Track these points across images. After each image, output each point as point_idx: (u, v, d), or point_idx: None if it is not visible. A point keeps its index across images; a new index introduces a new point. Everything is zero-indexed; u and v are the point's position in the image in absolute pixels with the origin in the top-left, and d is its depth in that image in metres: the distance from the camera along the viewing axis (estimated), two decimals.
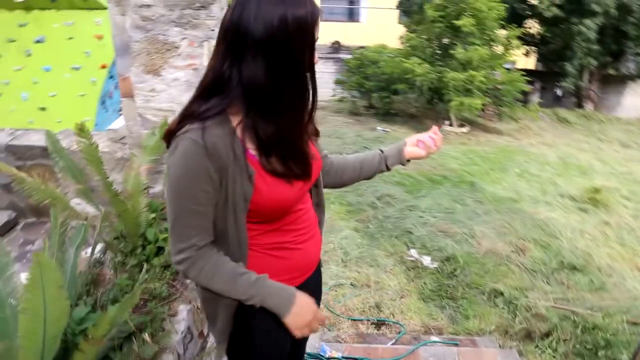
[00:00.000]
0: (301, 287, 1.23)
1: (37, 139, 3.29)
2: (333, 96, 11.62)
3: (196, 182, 1.04)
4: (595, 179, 6.44)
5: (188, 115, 1.06)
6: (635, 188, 6.10)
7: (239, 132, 1.06)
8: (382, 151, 1.47)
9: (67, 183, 2.16)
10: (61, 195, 1.85)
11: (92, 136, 1.99)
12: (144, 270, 1.73)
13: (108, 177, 1.88)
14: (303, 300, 1.15)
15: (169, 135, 1.07)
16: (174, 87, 2.18)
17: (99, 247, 2.06)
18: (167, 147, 1.08)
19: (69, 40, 5.24)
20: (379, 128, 9.21)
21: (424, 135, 1.45)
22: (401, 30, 12.66)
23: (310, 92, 1.09)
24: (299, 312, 1.14)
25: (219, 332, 1.24)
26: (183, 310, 1.91)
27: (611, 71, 12.21)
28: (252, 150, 1.08)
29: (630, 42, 10.83)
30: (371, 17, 18.86)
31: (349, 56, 11.41)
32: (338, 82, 11.31)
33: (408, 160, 1.46)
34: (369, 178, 1.49)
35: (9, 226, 3.27)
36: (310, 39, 1.03)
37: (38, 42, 5.34)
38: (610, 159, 7.73)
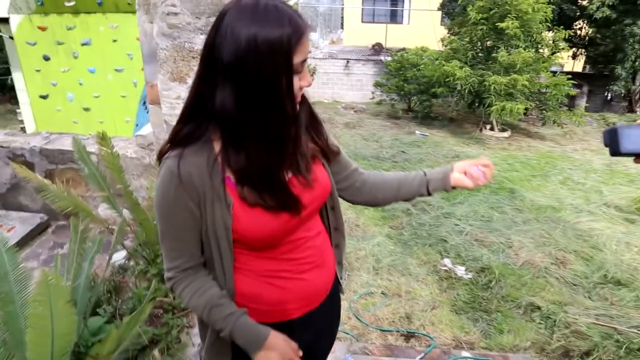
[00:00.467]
0: (305, 319, 1.20)
1: (69, 143, 3.41)
2: (372, 99, 11.55)
3: (174, 210, 1.03)
4: None
5: (172, 139, 1.05)
6: None
7: (220, 159, 1.02)
8: (425, 173, 1.36)
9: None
10: (83, 203, 1.88)
11: (113, 144, 2.02)
12: (153, 284, 1.72)
13: (129, 185, 1.91)
14: (276, 344, 1.11)
15: (159, 157, 1.06)
16: None
17: (124, 253, 2.08)
18: None
19: (113, 43, 5.41)
20: (417, 132, 9.07)
21: (473, 167, 1.32)
22: (444, 32, 12.46)
23: (291, 120, 1.01)
24: (267, 356, 1.10)
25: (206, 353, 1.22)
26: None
27: None
28: (232, 177, 1.04)
29: None
30: (414, 18, 18.70)
31: (390, 58, 11.29)
32: (377, 85, 11.22)
33: (453, 188, 1.34)
34: (407, 200, 1.39)
35: (41, 228, 3.40)
36: (286, 63, 0.93)
37: (84, 44, 5.54)
38: None
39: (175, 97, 2.13)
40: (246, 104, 0.95)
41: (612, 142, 0.99)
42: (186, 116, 1.04)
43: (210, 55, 0.95)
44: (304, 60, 0.98)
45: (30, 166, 3.56)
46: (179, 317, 1.77)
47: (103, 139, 2.05)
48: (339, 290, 1.41)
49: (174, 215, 1.04)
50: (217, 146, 1.03)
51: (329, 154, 1.22)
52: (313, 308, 1.24)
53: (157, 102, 2.18)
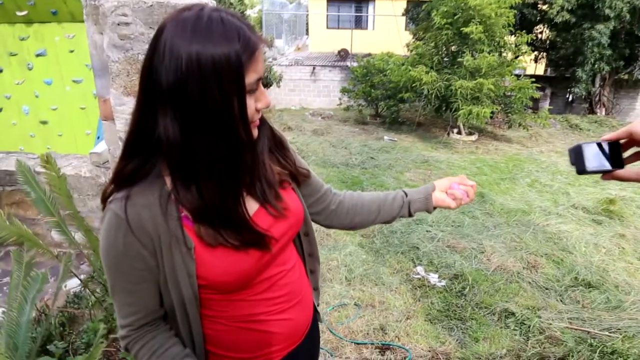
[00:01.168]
0: (288, 358, 1.09)
1: (24, 162, 3.20)
2: (339, 105, 11.52)
3: (124, 260, 0.89)
4: (610, 188, 6.23)
5: (115, 179, 0.90)
6: None
7: (173, 196, 0.89)
8: (405, 194, 1.27)
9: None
10: (28, 232, 1.72)
11: (66, 163, 1.86)
12: (104, 319, 1.55)
13: (79, 210, 1.76)
14: None
15: (103, 200, 0.92)
16: None
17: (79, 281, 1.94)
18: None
19: (70, 53, 5.18)
20: (386, 137, 9.07)
21: (455, 186, 1.25)
22: (409, 37, 12.57)
23: (246, 148, 0.88)
24: None
25: None
26: None
27: (624, 76, 11.98)
28: (189, 216, 0.90)
29: None
30: (378, 24, 18.86)
31: (356, 64, 11.30)
32: (344, 91, 11.20)
33: (435, 208, 1.27)
34: (386, 222, 1.30)
35: None
36: (237, 83, 0.81)
37: (39, 55, 5.30)
38: None
39: (129, 112, 1.97)
40: (191, 132, 0.82)
41: (577, 161, 0.94)
42: (129, 150, 0.89)
43: (148, 78, 0.82)
44: (259, 79, 0.86)
45: None
46: None
47: (47, 161, 1.89)
48: (317, 319, 1.29)
49: (124, 267, 0.90)
50: (169, 181, 0.89)
51: (298, 177, 1.11)
52: (296, 345, 1.12)
53: (110, 118, 2.03)
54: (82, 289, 1.93)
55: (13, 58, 5.34)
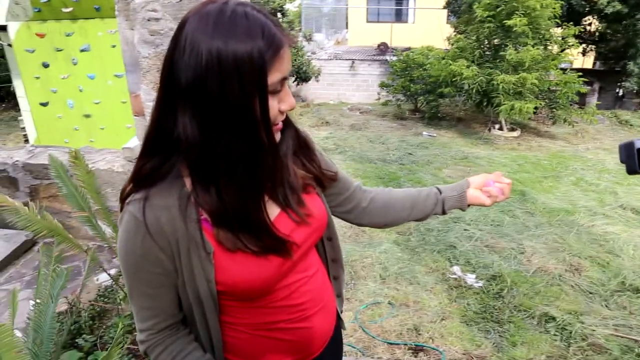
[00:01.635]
0: None
1: (56, 157, 3.27)
2: (378, 99, 11.41)
3: (142, 264, 0.87)
4: None
5: (134, 178, 0.88)
6: None
7: (193, 198, 0.86)
8: (439, 191, 1.22)
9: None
10: (59, 227, 1.75)
11: (87, 164, 1.88)
12: (120, 327, 1.54)
13: (108, 207, 1.78)
14: None
15: (121, 200, 0.90)
16: None
17: (114, 272, 1.96)
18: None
19: (112, 48, 5.31)
20: (424, 133, 8.92)
21: (491, 184, 1.21)
22: (450, 31, 12.30)
23: (269, 151, 0.84)
24: None
25: None
26: None
27: None
28: (209, 219, 0.88)
29: None
30: (419, 17, 18.56)
31: (395, 58, 11.15)
32: (383, 85, 11.07)
33: (469, 205, 1.22)
34: (419, 220, 1.26)
35: (27, 247, 3.22)
36: (259, 83, 0.77)
37: (83, 50, 5.46)
38: None
39: None
40: (210, 130, 0.79)
41: (629, 159, 0.85)
42: (147, 149, 0.87)
43: (169, 73, 0.80)
44: (284, 79, 0.82)
45: (14, 181, 3.41)
46: None
47: (76, 157, 1.92)
48: (341, 326, 1.26)
49: (142, 271, 0.88)
50: (188, 182, 0.87)
51: (324, 181, 1.07)
52: (318, 354, 1.09)
53: (141, 113, 2.05)
54: (113, 283, 1.96)
55: (59, 53, 5.52)
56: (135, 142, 2.40)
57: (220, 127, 0.79)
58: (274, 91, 0.81)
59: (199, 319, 0.94)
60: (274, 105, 0.82)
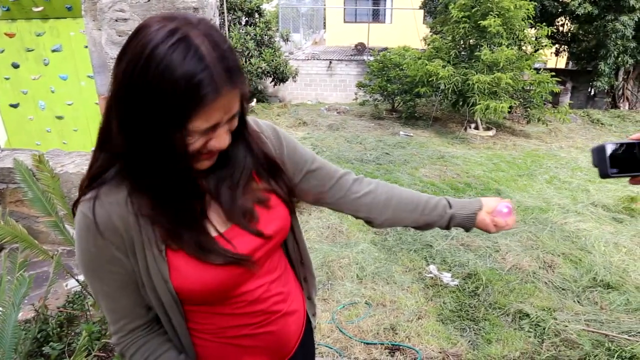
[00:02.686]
0: None
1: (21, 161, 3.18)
2: (355, 99, 11.44)
3: (99, 263, 0.85)
4: (632, 186, 6.06)
5: (88, 176, 0.86)
6: None
7: (130, 199, 0.85)
8: (449, 204, 1.14)
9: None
10: (23, 233, 1.70)
11: (54, 167, 1.84)
12: (84, 334, 1.50)
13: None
14: None
15: (76, 201, 0.87)
16: None
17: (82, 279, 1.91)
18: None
19: (85, 49, 5.20)
20: (401, 132, 8.97)
21: (502, 209, 1.14)
22: (426, 31, 12.41)
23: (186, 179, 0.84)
24: None
25: None
26: None
27: None
28: None
29: None
30: (396, 17, 18.68)
31: (372, 58, 11.20)
32: (360, 85, 11.10)
33: (474, 227, 1.14)
34: (419, 229, 1.16)
35: None
36: (176, 123, 0.74)
37: (55, 50, 5.34)
38: None
39: None
40: (133, 147, 0.78)
41: (601, 163, 0.85)
42: (98, 148, 0.86)
43: (114, 76, 0.78)
44: (216, 125, 0.78)
45: None
46: None
47: (40, 161, 1.87)
48: (312, 328, 1.23)
49: (101, 271, 0.86)
50: None
51: (292, 202, 1.04)
52: (287, 359, 1.07)
53: None
54: (82, 289, 1.91)
55: (30, 54, 5.39)
56: None
57: (139, 147, 0.78)
58: (202, 132, 0.78)
59: (166, 323, 0.92)
60: (198, 142, 0.79)
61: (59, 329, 1.62)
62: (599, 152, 0.86)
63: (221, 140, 0.81)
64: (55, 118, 5.63)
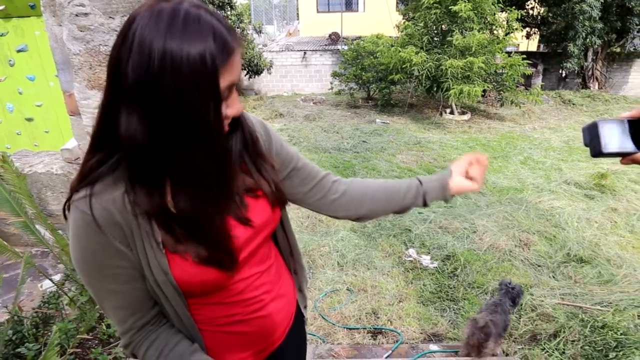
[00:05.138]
0: (275, 355, 1.07)
1: None
2: (331, 89, 11.44)
3: (102, 260, 0.83)
4: (602, 162, 6.21)
5: (82, 173, 0.84)
6: None
7: (127, 197, 0.84)
8: (420, 182, 1.14)
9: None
10: None
11: (17, 167, 1.81)
12: (55, 330, 1.50)
13: (42, 211, 1.73)
14: None
15: (69, 197, 0.84)
16: None
17: (58, 278, 1.90)
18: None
19: None
20: (378, 120, 9.02)
21: (474, 168, 1.15)
22: (399, 18, 12.44)
23: (223, 157, 0.83)
24: None
25: None
26: None
27: (616, 49, 11.89)
28: None
29: (635, 19, 10.51)
30: (369, 6, 18.66)
31: (346, 47, 11.20)
32: (335, 75, 11.11)
33: (453, 196, 1.15)
34: (398, 213, 1.17)
35: None
36: (213, 88, 0.75)
37: (20, 51, 5.22)
38: None
39: (95, 106, 1.90)
40: (162, 135, 0.76)
41: (593, 141, 0.83)
42: (94, 146, 0.84)
43: (115, 70, 0.76)
44: (232, 85, 0.79)
45: None
46: (115, 347, 1.60)
47: (4, 161, 1.84)
48: (304, 323, 1.26)
49: (105, 267, 0.84)
50: None
51: (278, 197, 1.03)
52: (278, 345, 1.10)
53: (77, 113, 1.97)
54: (57, 288, 1.90)
55: None
56: (73, 143, 2.31)
57: (173, 132, 0.76)
58: (222, 97, 0.79)
59: (173, 316, 0.93)
60: (222, 111, 0.80)
61: (34, 330, 1.61)
62: (590, 130, 0.84)
63: (236, 104, 0.82)
64: (25, 120, 5.52)
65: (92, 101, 1.90)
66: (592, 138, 0.84)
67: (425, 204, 1.15)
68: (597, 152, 0.84)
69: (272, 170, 1.00)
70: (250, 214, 0.95)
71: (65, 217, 0.85)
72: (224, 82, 0.76)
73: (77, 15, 1.74)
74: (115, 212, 0.81)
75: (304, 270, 1.23)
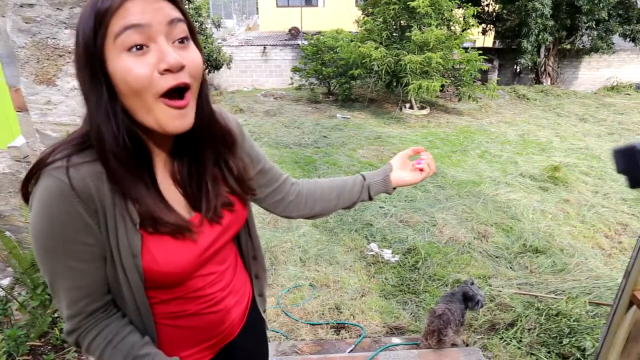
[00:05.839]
0: (227, 352, 1.06)
1: None
2: (291, 84, 11.39)
3: (68, 233, 0.78)
4: (555, 155, 6.44)
5: (60, 143, 0.81)
6: (593, 163, 6.11)
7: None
8: (364, 177, 1.24)
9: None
10: None
11: None
12: (3, 338, 1.42)
13: None
14: None
15: (35, 168, 0.79)
16: (72, 97, 1.86)
17: (6, 282, 1.81)
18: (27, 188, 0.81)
19: None
20: (338, 115, 9.04)
21: (417, 161, 1.23)
22: (359, 14, 12.49)
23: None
24: None
25: None
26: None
27: (567, 46, 12.33)
28: None
29: (583, 17, 10.91)
30: (329, 1, 18.64)
31: (306, 42, 11.17)
32: (295, 70, 11.06)
33: (394, 188, 1.24)
34: (347, 208, 1.27)
35: None
36: (97, 25, 0.74)
37: None
38: (568, 134, 7.76)
39: (44, 101, 1.80)
40: (89, 112, 0.78)
41: (635, 171, 0.68)
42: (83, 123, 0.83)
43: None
44: (136, 26, 0.73)
45: None
46: (67, 352, 1.53)
47: None
48: (264, 327, 1.26)
49: (70, 242, 0.79)
50: None
51: (245, 192, 1.03)
52: (229, 341, 1.08)
53: (24, 109, 1.87)
54: (6, 293, 1.80)
55: None
56: (21, 141, 2.19)
57: (89, 97, 0.77)
58: (130, 46, 0.74)
59: (131, 304, 0.88)
60: (143, 65, 0.74)
61: None
62: (629, 155, 0.69)
63: (167, 57, 0.75)
64: None
65: (40, 96, 1.80)
66: (632, 166, 0.69)
67: (370, 198, 1.24)
68: (637, 181, 0.69)
69: (242, 168, 1.00)
70: (222, 213, 0.96)
71: (25, 194, 0.81)
72: (117, 25, 0.72)
73: (21, 6, 1.64)
74: (92, 186, 0.78)
75: (266, 273, 1.23)
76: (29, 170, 0.80)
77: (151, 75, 0.74)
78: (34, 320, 1.60)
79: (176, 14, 0.78)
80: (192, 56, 0.79)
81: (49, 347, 1.60)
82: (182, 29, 0.78)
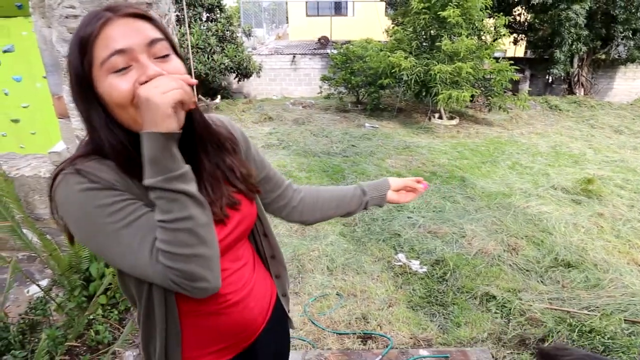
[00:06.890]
0: (250, 351, 1.08)
1: None
2: (320, 93, 11.44)
3: (108, 195, 0.81)
4: (588, 168, 6.29)
5: (76, 153, 0.88)
6: (628, 176, 5.95)
7: None
8: (363, 192, 1.35)
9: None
10: None
11: (8, 171, 1.79)
12: (44, 338, 1.47)
13: (30, 214, 1.70)
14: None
15: (53, 178, 0.85)
16: None
17: (45, 283, 1.87)
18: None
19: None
20: (367, 124, 9.04)
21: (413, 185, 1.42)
22: (388, 23, 12.50)
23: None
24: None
25: None
26: (129, 357, 1.70)
27: (601, 56, 12.06)
28: None
29: (619, 26, 10.66)
30: (358, 10, 18.75)
31: (335, 51, 11.21)
32: (324, 79, 11.11)
33: (387, 202, 1.40)
34: (344, 216, 1.39)
35: None
36: (83, 49, 0.81)
37: (7, 51, 5.15)
38: (602, 146, 7.58)
39: None
40: (85, 120, 0.87)
41: None
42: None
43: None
44: (120, 52, 0.79)
45: None
46: (104, 354, 1.57)
47: None
48: (288, 326, 1.30)
49: (117, 203, 0.81)
50: None
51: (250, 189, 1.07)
52: (252, 341, 1.11)
53: (66, 116, 1.94)
54: (44, 294, 1.86)
55: None
56: (62, 146, 2.27)
57: (85, 113, 0.85)
58: (115, 70, 0.80)
59: (159, 301, 0.92)
60: (126, 81, 0.80)
61: (21, 337, 1.57)
62: None
63: (149, 67, 0.80)
64: (11, 121, 5.44)
65: None
66: None
67: (365, 208, 1.38)
68: None
69: (247, 171, 1.05)
70: (230, 212, 0.99)
71: (51, 198, 0.85)
72: (102, 50, 0.79)
73: (67, 17, 1.71)
74: (102, 174, 0.83)
75: (286, 271, 1.28)
76: (48, 188, 0.87)
77: (132, 88, 0.79)
78: (71, 321, 1.65)
79: (155, 34, 0.83)
80: (172, 65, 0.85)
81: (85, 348, 1.65)
82: (163, 47, 0.84)
